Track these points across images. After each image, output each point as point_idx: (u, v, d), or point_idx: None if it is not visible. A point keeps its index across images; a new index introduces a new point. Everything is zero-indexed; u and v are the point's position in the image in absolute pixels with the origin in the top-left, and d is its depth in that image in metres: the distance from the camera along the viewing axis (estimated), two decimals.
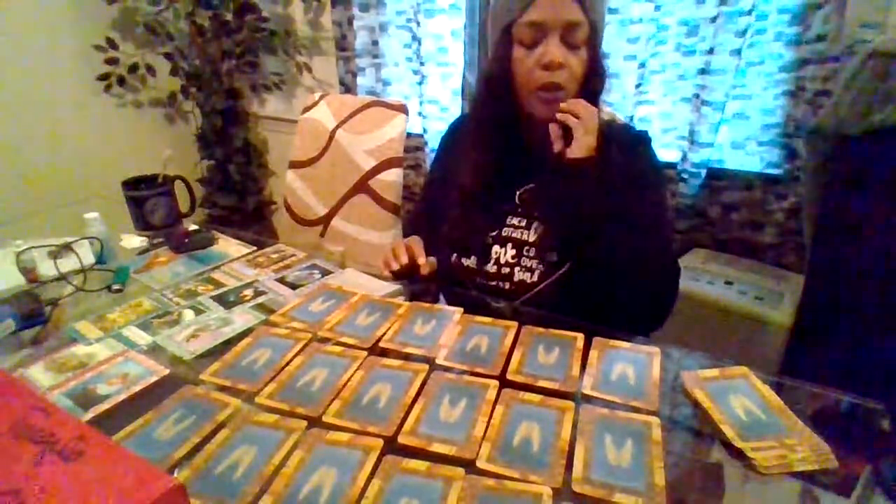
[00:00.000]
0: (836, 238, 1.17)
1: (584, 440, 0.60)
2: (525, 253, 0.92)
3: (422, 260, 0.92)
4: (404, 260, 0.92)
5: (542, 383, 0.69)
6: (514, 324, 0.82)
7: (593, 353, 0.75)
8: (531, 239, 0.92)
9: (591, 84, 0.87)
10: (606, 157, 0.86)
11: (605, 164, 0.86)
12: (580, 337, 0.79)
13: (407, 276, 0.94)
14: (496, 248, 0.94)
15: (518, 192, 0.95)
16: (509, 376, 0.70)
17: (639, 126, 1.60)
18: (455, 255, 0.97)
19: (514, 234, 0.93)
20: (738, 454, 0.59)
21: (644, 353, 0.75)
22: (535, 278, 0.91)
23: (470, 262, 0.96)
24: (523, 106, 0.89)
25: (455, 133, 1.08)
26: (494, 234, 0.94)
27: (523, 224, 0.94)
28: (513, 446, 0.60)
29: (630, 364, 0.73)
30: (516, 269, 0.92)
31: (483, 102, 0.95)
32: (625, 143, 0.90)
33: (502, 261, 0.93)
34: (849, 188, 1.14)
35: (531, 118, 0.89)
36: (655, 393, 0.67)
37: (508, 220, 0.95)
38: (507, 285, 0.93)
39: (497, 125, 0.93)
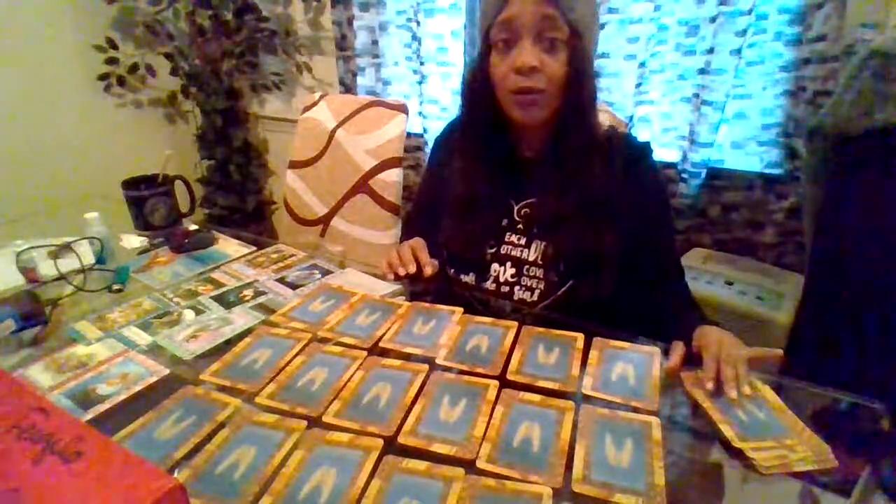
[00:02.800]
0: (836, 238, 1.17)
1: (584, 440, 0.60)
2: (525, 272, 0.90)
3: (428, 269, 0.89)
4: (412, 269, 0.89)
5: (541, 383, 0.69)
6: (514, 324, 0.81)
7: (593, 353, 0.75)
8: (531, 258, 0.90)
9: (575, 89, 0.83)
10: (609, 174, 0.86)
11: (609, 183, 0.85)
12: (580, 337, 0.79)
13: (410, 278, 0.93)
14: (495, 265, 0.92)
15: (517, 207, 0.93)
16: (509, 376, 0.70)
17: (638, 126, 1.61)
18: (452, 270, 0.96)
19: (513, 252, 0.91)
20: (738, 454, 0.59)
21: (644, 353, 0.75)
22: (536, 297, 0.89)
23: (468, 278, 0.94)
24: (505, 111, 0.87)
25: (448, 137, 1.05)
26: (493, 250, 0.92)
27: (522, 242, 0.91)
28: (513, 446, 0.60)
29: (630, 364, 0.73)
30: (516, 287, 0.91)
31: (465, 110, 0.93)
32: (627, 158, 0.89)
33: (501, 279, 0.91)
34: (849, 188, 1.14)
35: (519, 125, 0.88)
36: (655, 393, 0.67)
37: (507, 236, 0.92)
38: (507, 304, 0.91)
39: (482, 133, 0.91)
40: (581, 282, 0.87)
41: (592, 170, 0.86)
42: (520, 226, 0.92)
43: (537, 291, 0.89)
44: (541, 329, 0.81)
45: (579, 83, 0.83)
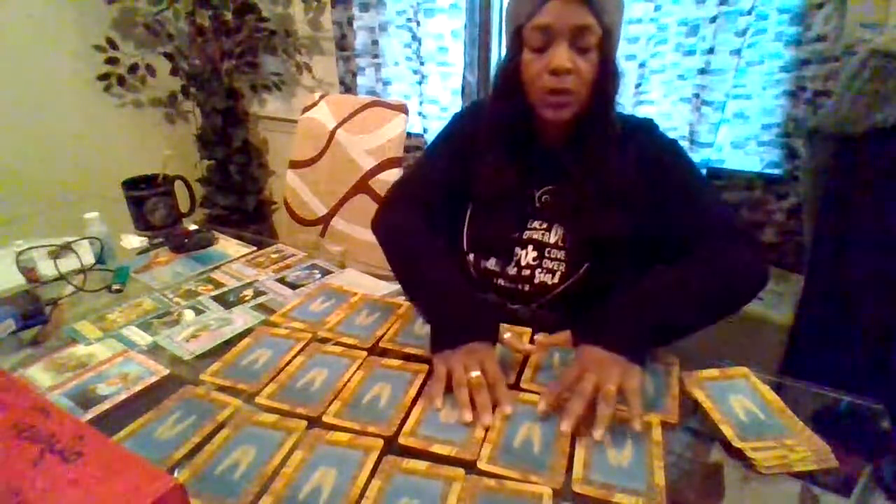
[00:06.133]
0: (836, 238, 1.17)
1: (585, 441, 0.60)
2: (547, 254, 0.91)
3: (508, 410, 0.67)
4: (488, 420, 0.64)
5: None
6: (528, 330, 0.80)
7: None
8: (552, 240, 0.91)
9: (602, 87, 0.84)
10: (626, 158, 0.86)
11: (626, 166, 0.86)
12: None
13: None
14: (517, 249, 0.92)
15: (538, 194, 0.93)
16: (524, 385, 0.69)
17: None
18: (473, 256, 0.95)
19: (535, 236, 0.92)
20: (738, 454, 0.59)
21: (661, 364, 0.74)
22: (556, 280, 0.89)
23: (490, 263, 0.93)
24: (534, 108, 0.87)
25: (469, 122, 1.01)
26: (515, 236, 0.93)
27: (544, 226, 0.92)
28: (513, 447, 0.60)
29: (648, 374, 0.70)
30: (537, 270, 0.91)
31: (494, 104, 0.93)
32: (635, 133, 0.90)
33: (523, 263, 0.92)
34: (849, 188, 1.14)
35: (544, 119, 0.88)
36: (675, 405, 0.66)
37: (530, 222, 0.93)
38: (527, 287, 0.91)
39: (510, 127, 0.91)
40: (601, 264, 0.87)
41: (610, 157, 0.87)
42: (541, 211, 0.93)
43: (558, 273, 0.89)
44: None
45: (607, 81, 0.84)
